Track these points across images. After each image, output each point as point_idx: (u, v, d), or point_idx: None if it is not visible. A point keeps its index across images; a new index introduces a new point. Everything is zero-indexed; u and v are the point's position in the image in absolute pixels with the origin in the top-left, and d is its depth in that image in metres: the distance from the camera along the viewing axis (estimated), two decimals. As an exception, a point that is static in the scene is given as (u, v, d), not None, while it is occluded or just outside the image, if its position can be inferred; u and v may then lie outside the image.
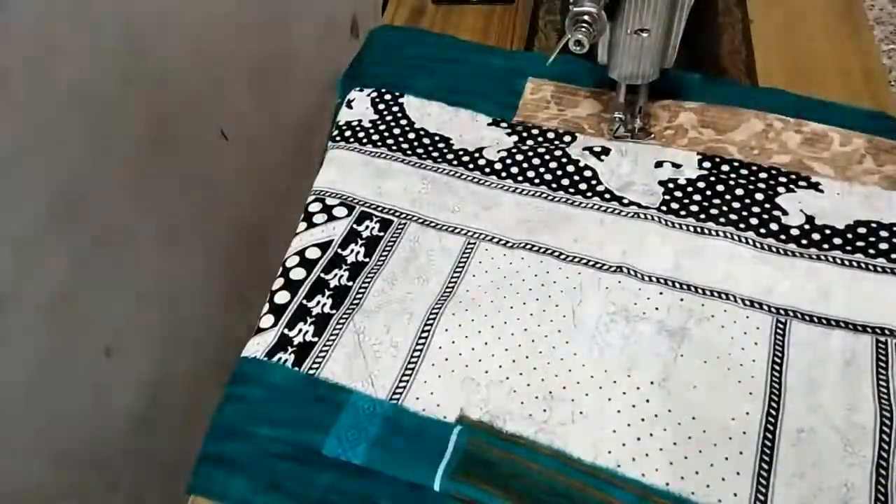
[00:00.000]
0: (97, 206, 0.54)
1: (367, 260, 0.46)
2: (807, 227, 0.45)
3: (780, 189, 0.47)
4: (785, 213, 0.46)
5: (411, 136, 0.53)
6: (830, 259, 0.43)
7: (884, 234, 0.44)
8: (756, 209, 0.46)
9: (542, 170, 0.50)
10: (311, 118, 0.86)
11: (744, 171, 0.48)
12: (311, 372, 0.41)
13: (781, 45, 0.57)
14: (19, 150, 0.46)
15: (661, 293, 0.42)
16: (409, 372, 0.40)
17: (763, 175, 0.48)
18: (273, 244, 0.51)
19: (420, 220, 0.48)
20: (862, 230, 0.44)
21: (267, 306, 0.44)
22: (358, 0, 1.00)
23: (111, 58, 0.53)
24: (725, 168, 0.48)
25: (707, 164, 0.49)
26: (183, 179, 0.64)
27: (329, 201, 0.49)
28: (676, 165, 0.49)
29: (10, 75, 0.45)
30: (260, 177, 0.78)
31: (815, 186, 0.47)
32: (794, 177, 0.48)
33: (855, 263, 0.43)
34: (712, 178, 0.48)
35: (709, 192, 0.47)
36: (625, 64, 0.47)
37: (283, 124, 0.82)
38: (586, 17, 0.40)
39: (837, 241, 0.44)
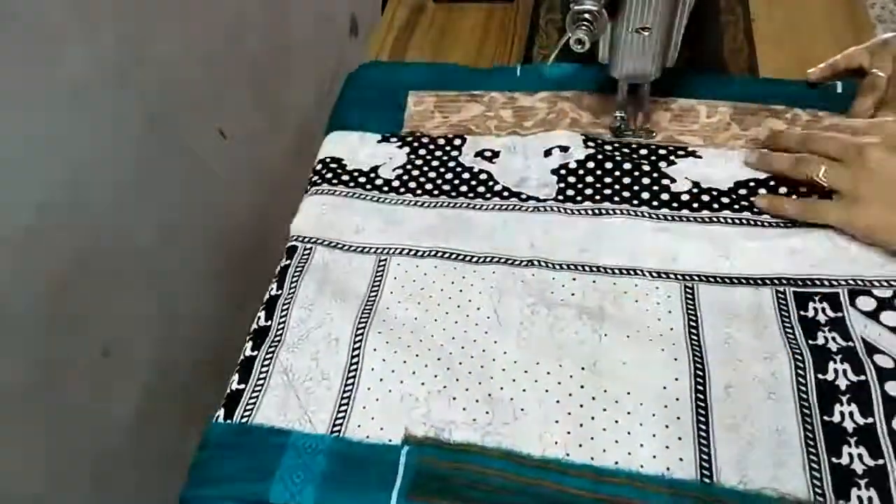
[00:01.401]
0: (97, 205, 0.54)
1: (279, 292, 0.46)
2: (695, 191, 0.47)
3: (662, 163, 0.49)
4: (673, 180, 0.48)
5: None
6: (721, 220, 0.45)
7: (763, 191, 0.46)
8: (646, 181, 0.48)
9: (439, 181, 0.51)
10: (311, 118, 0.86)
11: (626, 150, 0.50)
12: (244, 420, 0.40)
13: (783, 44, 0.57)
14: (19, 149, 0.46)
15: (573, 279, 0.43)
16: (345, 401, 0.40)
17: (643, 151, 0.50)
18: (272, 244, 0.51)
19: (326, 244, 0.48)
20: (743, 190, 0.47)
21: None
22: (358, -1, 1.00)
23: (111, 58, 0.53)
24: (609, 147, 0.50)
25: (592, 144, 0.50)
26: (182, 179, 0.64)
27: None
28: (564, 149, 0.50)
29: (11, 75, 0.45)
30: (259, 176, 0.78)
31: (693, 154, 0.49)
32: (672, 148, 0.50)
33: (744, 221, 0.45)
34: (600, 157, 0.49)
35: (599, 172, 0.49)
36: (626, 63, 0.47)
37: (282, 124, 0.82)
38: (587, 16, 0.40)
39: (725, 200, 0.46)
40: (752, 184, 0.47)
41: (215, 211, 0.70)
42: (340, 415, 0.39)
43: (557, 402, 0.38)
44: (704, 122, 0.51)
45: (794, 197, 0.45)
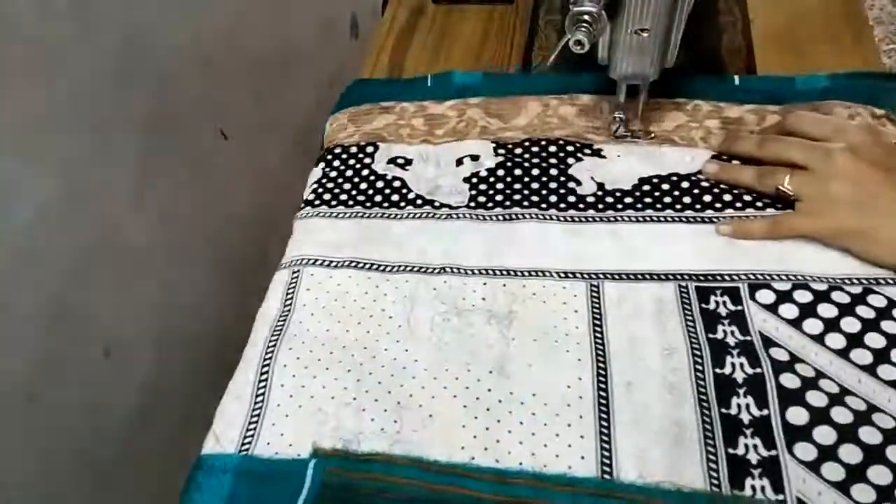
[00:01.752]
0: (97, 206, 0.54)
1: None
2: (599, 193, 0.48)
3: (570, 160, 0.50)
4: (579, 183, 0.49)
5: None
6: (625, 219, 0.46)
7: (665, 186, 0.48)
8: (553, 185, 0.49)
9: (353, 191, 0.51)
10: (311, 118, 0.86)
11: (535, 149, 0.51)
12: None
13: (782, 45, 0.57)
14: (19, 149, 0.46)
15: (484, 283, 0.44)
16: (255, 419, 0.39)
17: (552, 149, 0.51)
18: (272, 244, 0.51)
19: None
20: (647, 187, 0.48)
21: None
22: (358, 0, 1.00)
23: (111, 58, 0.53)
24: (518, 151, 0.51)
25: (502, 151, 0.51)
26: (183, 179, 0.64)
27: None
28: (475, 157, 0.51)
29: (11, 75, 0.45)
30: (259, 176, 0.78)
31: (598, 153, 0.50)
32: (578, 145, 0.51)
33: (647, 218, 0.46)
34: (509, 164, 0.50)
35: (509, 179, 0.50)
36: (625, 64, 0.47)
37: (282, 124, 0.82)
38: (586, 17, 0.40)
39: (628, 200, 0.47)
40: (655, 180, 0.48)
41: (215, 211, 0.70)
42: (250, 433, 0.39)
43: (465, 406, 0.38)
44: (609, 118, 0.52)
45: (753, 216, 0.45)
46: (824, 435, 0.34)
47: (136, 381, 0.60)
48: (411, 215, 0.49)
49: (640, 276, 0.43)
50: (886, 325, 0.38)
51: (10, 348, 0.47)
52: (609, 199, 0.47)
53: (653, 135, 0.51)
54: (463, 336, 0.41)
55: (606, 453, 0.36)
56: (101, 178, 0.54)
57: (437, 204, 0.49)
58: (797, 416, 0.35)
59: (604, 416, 0.37)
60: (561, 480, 0.35)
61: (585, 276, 0.43)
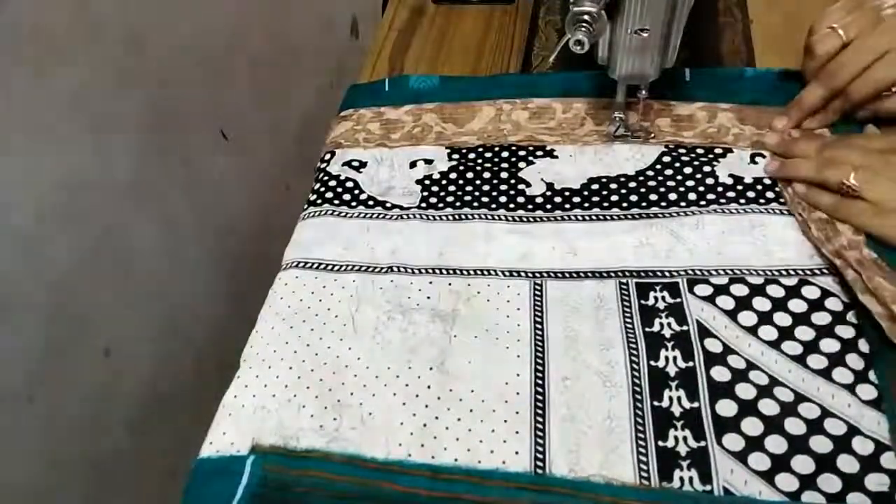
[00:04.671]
0: (97, 206, 0.54)
1: None
2: (548, 193, 0.49)
3: (521, 164, 0.51)
4: (528, 185, 0.49)
5: None
6: (572, 218, 0.47)
7: (613, 185, 0.48)
8: (503, 187, 0.49)
9: (309, 194, 0.51)
10: (311, 118, 0.86)
11: (488, 154, 0.52)
12: None
13: (781, 46, 0.57)
14: (20, 149, 0.46)
15: (430, 282, 0.44)
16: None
17: (505, 154, 0.52)
18: (273, 244, 0.51)
19: None
20: (595, 186, 0.49)
21: None
22: (358, 0, 1.00)
23: (111, 58, 0.53)
24: (472, 156, 0.52)
25: (455, 156, 0.52)
26: (183, 179, 0.64)
27: None
28: (429, 161, 0.52)
29: (11, 75, 0.45)
30: (260, 176, 0.78)
31: (550, 154, 0.51)
32: (531, 148, 0.52)
33: (593, 217, 0.47)
34: (461, 168, 0.51)
35: (461, 181, 0.50)
36: (625, 64, 0.47)
37: (283, 124, 0.82)
38: (586, 17, 0.40)
39: (576, 199, 0.48)
40: (603, 179, 0.49)
41: (215, 211, 0.70)
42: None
43: (404, 404, 0.39)
44: (561, 118, 0.53)
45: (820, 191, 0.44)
46: (752, 426, 0.35)
47: (136, 381, 0.60)
48: (362, 215, 0.49)
49: (582, 275, 0.44)
50: (817, 318, 0.39)
51: (10, 348, 0.47)
52: (557, 199, 0.48)
53: (653, 135, 0.51)
54: (406, 335, 0.42)
55: (540, 447, 0.36)
56: (101, 178, 0.54)
57: (388, 205, 0.49)
58: (726, 408, 0.36)
59: (539, 411, 0.38)
60: (494, 476, 0.35)
61: (529, 274, 0.44)
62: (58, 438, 0.52)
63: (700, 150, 0.49)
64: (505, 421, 0.37)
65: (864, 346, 0.38)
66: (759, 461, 0.34)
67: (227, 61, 0.69)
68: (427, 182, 0.51)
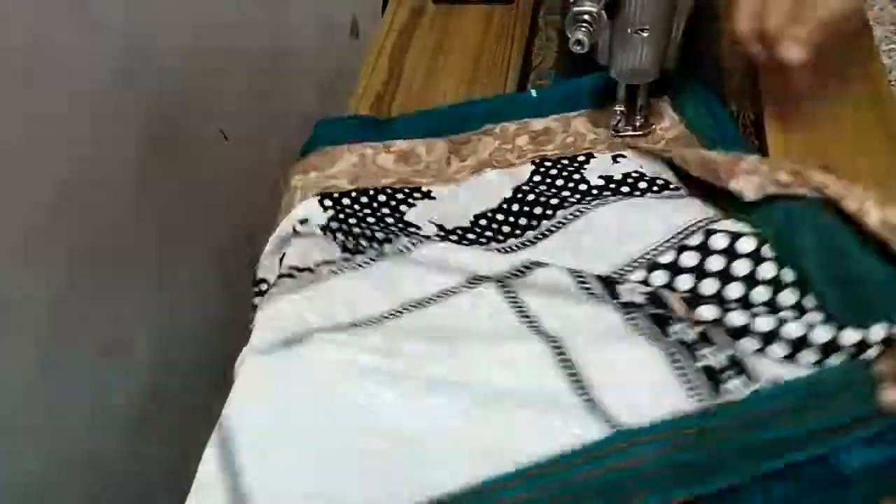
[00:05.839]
0: (97, 206, 0.54)
1: None
2: (441, 234, 0.46)
3: (403, 207, 0.48)
4: (419, 228, 0.46)
5: None
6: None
7: (500, 217, 0.47)
8: (394, 228, 0.46)
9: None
10: (311, 118, 0.86)
11: (364, 199, 0.48)
12: None
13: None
14: (19, 149, 0.46)
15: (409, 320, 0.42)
16: None
17: (382, 198, 0.48)
18: (273, 244, 0.51)
19: None
20: (483, 221, 0.47)
21: None
22: (358, 0, 1.00)
23: (111, 58, 0.53)
24: (346, 201, 0.48)
25: (328, 203, 0.47)
26: (183, 179, 0.64)
27: None
28: (304, 222, 0.47)
29: (11, 75, 0.45)
30: (259, 176, 0.78)
31: (428, 195, 0.49)
32: (408, 191, 0.49)
33: (501, 250, 0.45)
34: (341, 216, 0.47)
35: (345, 227, 0.46)
36: (624, 63, 0.47)
37: (282, 124, 0.82)
38: (586, 17, 0.40)
39: (471, 236, 0.46)
40: (489, 214, 0.47)
41: (215, 211, 0.70)
42: None
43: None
44: (427, 160, 0.51)
45: None
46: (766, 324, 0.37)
47: (136, 381, 0.60)
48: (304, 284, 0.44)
49: (532, 266, 0.42)
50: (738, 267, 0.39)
51: (11, 347, 0.47)
52: (453, 238, 0.46)
53: (653, 125, 0.51)
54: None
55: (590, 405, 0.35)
56: (101, 177, 0.54)
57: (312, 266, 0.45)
58: (738, 318, 0.37)
59: (577, 382, 0.37)
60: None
61: (491, 278, 0.42)
62: (57, 438, 0.52)
63: (565, 161, 0.50)
64: (549, 405, 0.36)
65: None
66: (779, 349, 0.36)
67: (227, 61, 0.69)
68: (328, 231, 0.46)
